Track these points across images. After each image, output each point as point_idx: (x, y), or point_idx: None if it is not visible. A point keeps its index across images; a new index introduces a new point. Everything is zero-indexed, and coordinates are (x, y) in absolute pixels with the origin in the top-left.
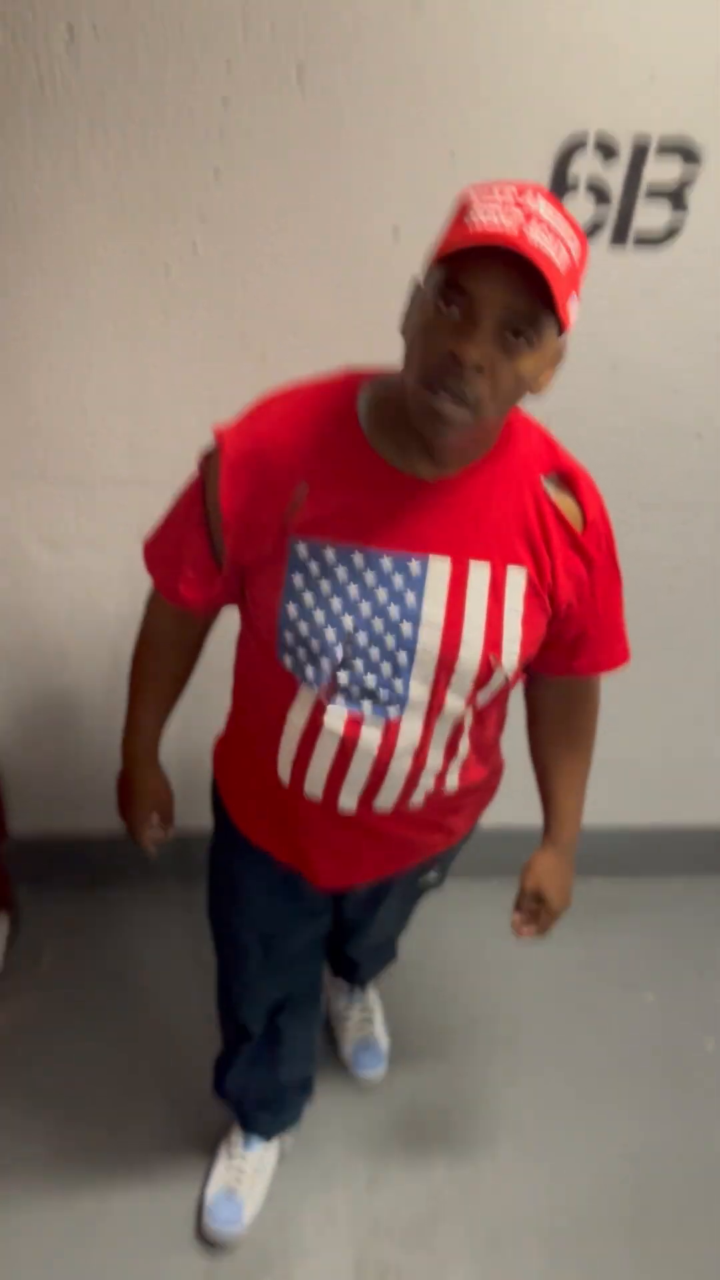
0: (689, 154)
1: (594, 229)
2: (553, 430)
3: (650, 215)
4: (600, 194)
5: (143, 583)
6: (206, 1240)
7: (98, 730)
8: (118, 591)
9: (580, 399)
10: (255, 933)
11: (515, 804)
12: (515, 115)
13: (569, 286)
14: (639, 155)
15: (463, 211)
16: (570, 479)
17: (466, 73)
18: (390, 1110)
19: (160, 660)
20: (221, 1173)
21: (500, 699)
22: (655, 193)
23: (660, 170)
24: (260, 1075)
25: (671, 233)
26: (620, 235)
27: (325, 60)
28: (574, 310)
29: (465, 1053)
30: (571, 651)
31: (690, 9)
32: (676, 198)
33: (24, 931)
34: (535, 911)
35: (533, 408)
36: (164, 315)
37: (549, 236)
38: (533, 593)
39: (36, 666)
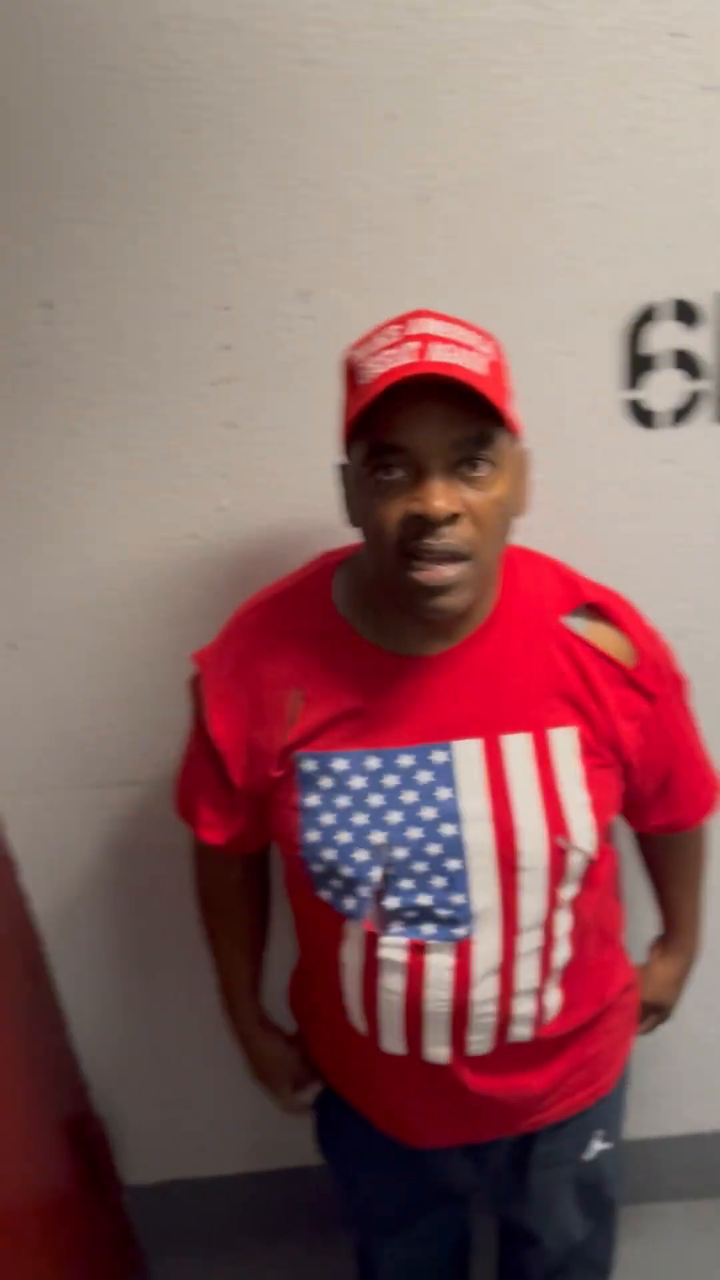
0: None
1: (689, 407)
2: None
3: None
4: (691, 367)
5: None
6: None
7: (205, 1053)
8: None
9: (715, 603)
10: (389, 1202)
11: None
12: (561, 298)
13: (500, 388)
14: None
15: (352, 375)
16: (603, 609)
17: (493, 261)
18: None
19: (223, 914)
20: None
21: (596, 881)
22: None
23: None
24: None
25: None
26: None
27: (330, 281)
28: (516, 411)
29: None
30: (662, 801)
31: None
32: None
33: None
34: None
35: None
36: (198, 589)
37: (457, 350)
38: (589, 750)
39: (131, 991)
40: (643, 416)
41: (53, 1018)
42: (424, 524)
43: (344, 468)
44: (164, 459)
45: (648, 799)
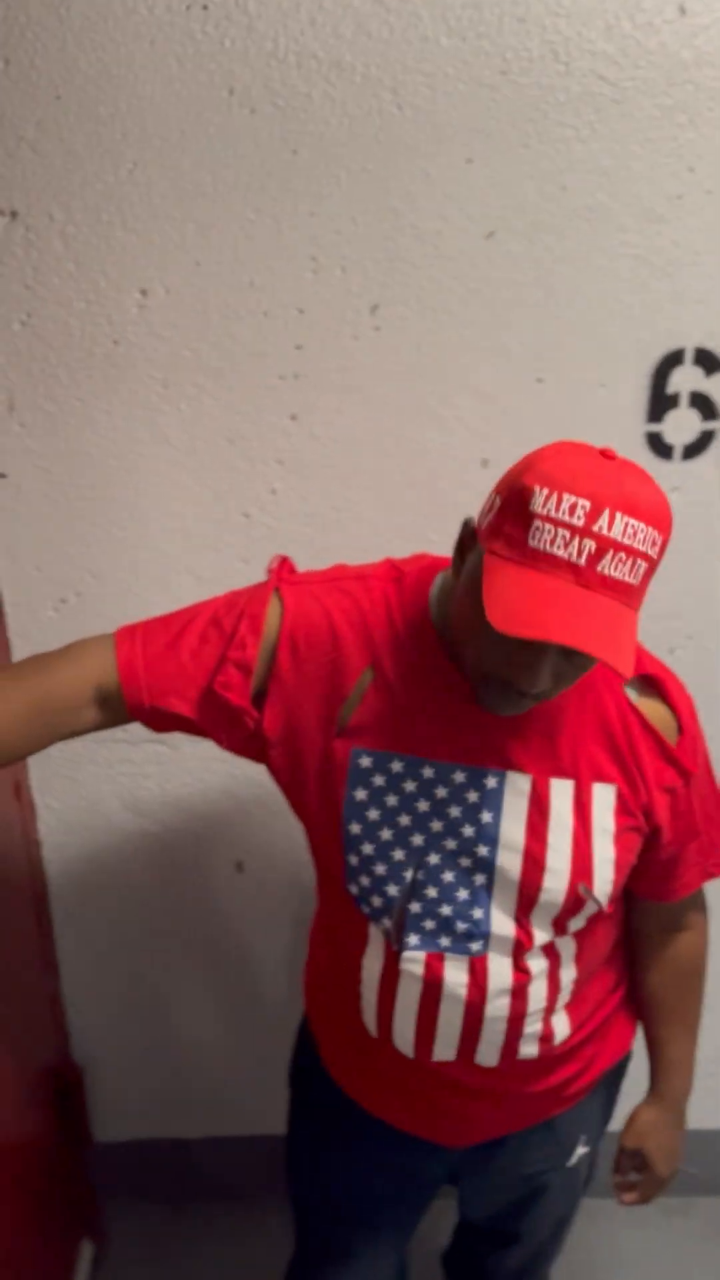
0: None
1: (702, 444)
2: (676, 660)
3: None
4: (705, 408)
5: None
6: None
7: (187, 1016)
8: (205, 857)
9: (701, 625)
10: (353, 1197)
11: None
12: (601, 336)
13: (640, 597)
14: None
15: (524, 514)
16: (658, 683)
17: (544, 297)
18: None
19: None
20: None
21: (602, 922)
22: None
23: None
24: None
25: None
26: None
27: (399, 298)
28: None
29: None
30: (665, 875)
31: None
32: None
33: (111, 1259)
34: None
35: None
36: (244, 563)
37: (626, 561)
38: (623, 810)
39: (123, 947)
40: (661, 449)
41: (47, 963)
42: (513, 690)
43: (472, 531)
44: (228, 441)
45: (653, 873)
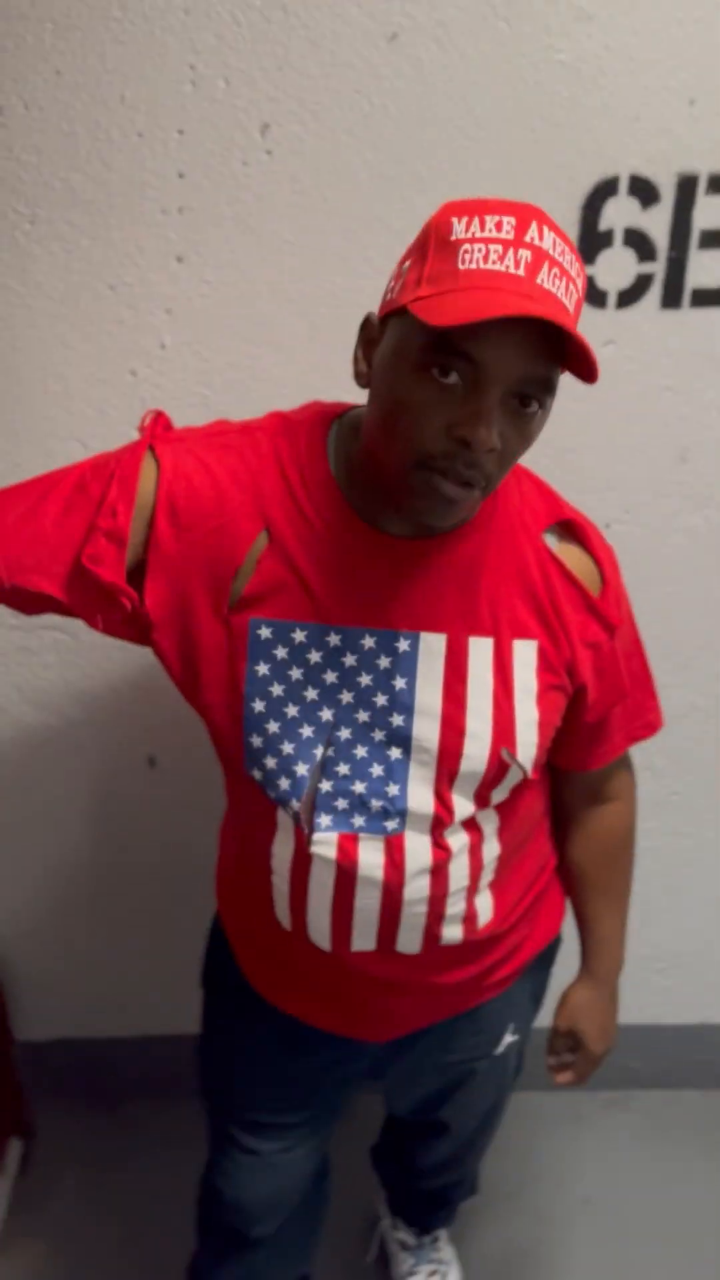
0: None
1: (639, 289)
2: (612, 538)
3: (707, 268)
4: (643, 247)
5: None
6: None
7: (107, 916)
8: (114, 752)
9: (643, 497)
10: (266, 1100)
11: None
12: (525, 161)
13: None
14: (685, 197)
15: (447, 248)
16: (578, 529)
17: (459, 114)
18: None
19: None
20: None
21: (525, 791)
22: (711, 241)
23: (714, 213)
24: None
25: None
26: (673, 296)
27: (292, 115)
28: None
29: None
30: (590, 740)
31: None
32: None
33: (39, 1157)
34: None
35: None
36: (133, 429)
37: (561, 280)
38: (546, 667)
39: (36, 846)
40: (593, 295)
41: None
42: (462, 447)
43: (378, 324)
44: (109, 289)
45: (580, 738)
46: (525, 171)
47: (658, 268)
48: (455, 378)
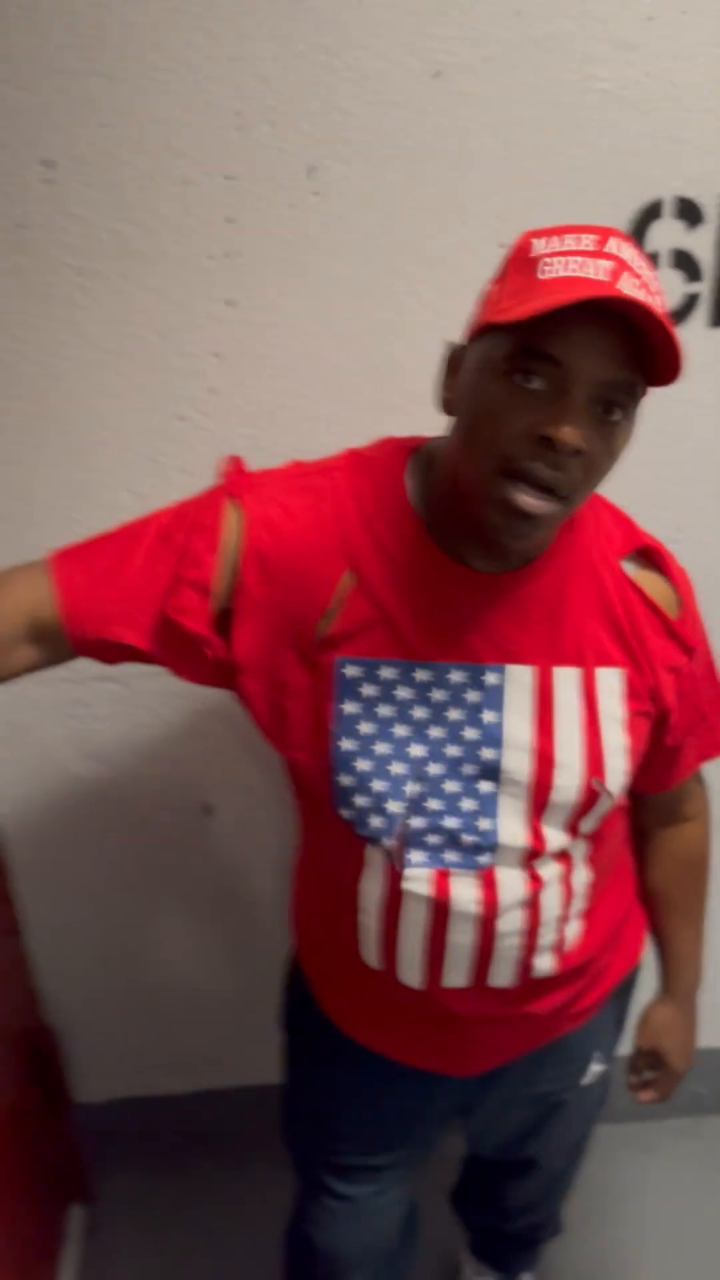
0: None
1: (687, 309)
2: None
3: None
4: (689, 267)
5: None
6: None
7: (165, 971)
8: (170, 802)
9: (694, 516)
10: (358, 1141)
11: None
12: (570, 189)
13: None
14: None
15: (527, 264)
16: (655, 555)
17: (504, 147)
18: None
19: None
20: None
21: (614, 817)
22: None
23: None
24: None
25: None
26: None
27: (338, 156)
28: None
29: None
30: (668, 763)
31: None
32: None
33: (102, 1221)
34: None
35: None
36: (185, 474)
37: (641, 290)
38: (632, 694)
39: (91, 900)
40: None
41: (7, 926)
42: (545, 448)
43: (461, 349)
44: (160, 337)
45: (658, 761)
46: (570, 199)
47: (704, 287)
48: (539, 383)
